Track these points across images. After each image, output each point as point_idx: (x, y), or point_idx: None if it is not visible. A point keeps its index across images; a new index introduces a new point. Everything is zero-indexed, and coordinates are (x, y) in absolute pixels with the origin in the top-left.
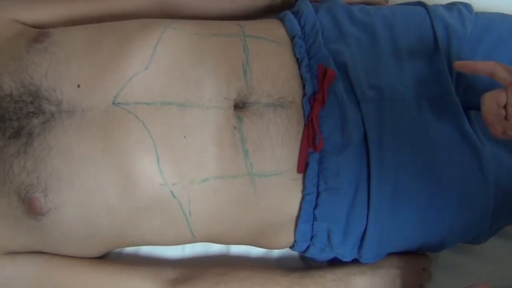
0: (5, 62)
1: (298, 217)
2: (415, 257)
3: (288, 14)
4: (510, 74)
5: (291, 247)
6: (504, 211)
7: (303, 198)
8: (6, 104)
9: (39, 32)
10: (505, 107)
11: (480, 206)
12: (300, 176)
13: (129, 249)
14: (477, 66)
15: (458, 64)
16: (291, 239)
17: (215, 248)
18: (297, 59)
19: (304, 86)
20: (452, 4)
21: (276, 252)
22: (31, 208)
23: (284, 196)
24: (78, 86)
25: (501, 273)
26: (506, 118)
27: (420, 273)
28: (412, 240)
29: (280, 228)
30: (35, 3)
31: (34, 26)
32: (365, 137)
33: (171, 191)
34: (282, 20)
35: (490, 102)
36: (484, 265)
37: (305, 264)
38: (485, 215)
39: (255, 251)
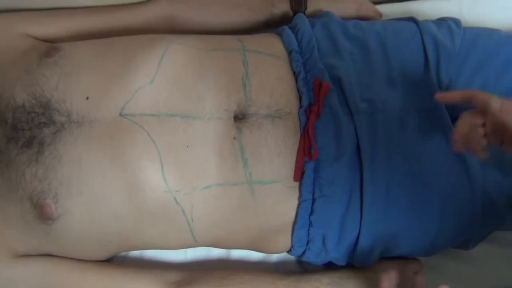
0: (18, 75)
1: (294, 223)
2: (406, 261)
3: (286, 29)
4: (485, 100)
5: (288, 252)
6: (491, 218)
7: (299, 204)
8: (19, 115)
9: (50, 47)
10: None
11: (468, 213)
12: (297, 184)
13: (134, 253)
14: (456, 96)
15: (439, 97)
16: (288, 244)
17: (216, 252)
18: (294, 73)
19: (300, 98)
20: (442, 19)
21: (274, 257)
22: (42, 213)
23: (282, 202)
24: (87, 98)
25: (491, 277)
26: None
27: (411, 277)
28: (403, 246)
29: (278, 233)
30: (45, 18)
31: (45, 40)
32: (358, 148)
33: (174, 198)
34: (280, 35)
35: (464, 122)
36: (474, 270)
37: (302, 268)
38: (472, 222)
39: (255, 255)
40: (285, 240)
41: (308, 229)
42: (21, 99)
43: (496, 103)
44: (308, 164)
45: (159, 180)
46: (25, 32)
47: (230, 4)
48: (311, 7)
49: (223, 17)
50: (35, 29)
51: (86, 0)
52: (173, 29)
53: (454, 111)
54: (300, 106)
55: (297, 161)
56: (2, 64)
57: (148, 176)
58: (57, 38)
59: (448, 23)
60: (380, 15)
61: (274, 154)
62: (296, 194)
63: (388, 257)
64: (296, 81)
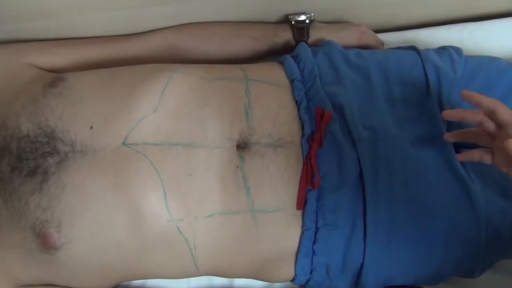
0: (23, 105)
1: (298, 251)
2: None
3: (288, 58)
4: (510, 115)
5: (292, 281)
6: (495, 245)
7: (302, 233)
8: (23, 144)
9: (55, 77)
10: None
11: (472, 241)
12: (300, 212)
13: (137, 282)
14: (483, 98)
15: (464, 94)
16: (291, 273)
17: (218, 281)
18: (296, 102)
19: (303, 126)
20: (443, 48)
21: (277, 286)
22: (45, 243)
23: (284, 231)
24: (91, 127)
25: None
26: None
27: None
28: (408, 274)
29: (281, 262)
30: (50, 48)
31: (50, 70)
32: (361, 175)
33: (177, 226)
34: (282, 64)
35: (476, 116)
36: None
37: None
38: (477, 250)
39: (258, 284)
40: (288, 269)
41: (312, 258)
42: (25, 128)
43: None
44: (310, 193)
45: (162, 209)
46: (31, 62)
47: (233, 34)
48: (313, 36)
49: (226, 47)
50: (40, 59)
51: (91, 30)
52: (177, 59)
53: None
54: (303, 135)
55: (299, 190)
56: (7, 94)
57: (151, 205)
58: (62, 68)
59: (449, 52)
60: (382, 44)
61: (277, 183)
62: (299, 223)
63: (392, 286)
64: (298, 109)
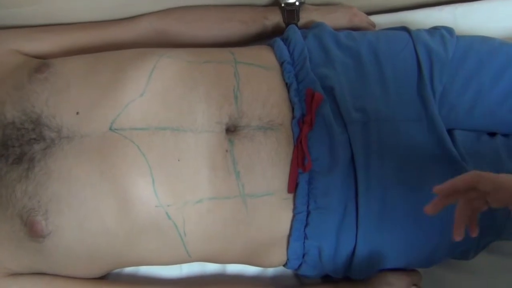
0: (8, 91)
1: (289, 235)
2: (405, 273)
3: (278, 40)
4: (492, 184)
5: (284, 265)
6: (489, 228)
7: (294, 217)
8: (9, 131)
9: (41, 63)
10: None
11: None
12: (291, 196)
13: (129, 269)
14: (457, 183)
15: (437, 189)
16: (284, 258)
17: (211, 268)
18: (286, 84)
19: (293, 109)
20: (435, 28)
21: (270, 271)
22: (32, 231)
23: (276, 215)
24: (77, 113)
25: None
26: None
27: None
28: (401, 257)
29: (273, 246)
30: (36, 34)
31: (36, 56)
32: (352, 158)
33: (166, 212)
34: (272, 47)
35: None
36: (474, 280)
37: (298, 281)
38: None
39: (251, 269)
40: (281, 254)
41: (304, 242)
42: (11, 115)
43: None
44: (302, 176)
45: (150, 195)
46: (17, 49)
47: (221, 17)
48: (303, 19)
49: (215, 31)
50: (26, 46)
51: (78, 16)
52: (165, 43)
53: (449, 121)
54: (293, 117)
55: (290, 173)
56: None
57: (139, 191)
58: (48, 54)
59: (441, 32)
60: (373, 25)
61: (267, 166)
62: (291, 207)
63: (386, 269)
64: (289, 92)
